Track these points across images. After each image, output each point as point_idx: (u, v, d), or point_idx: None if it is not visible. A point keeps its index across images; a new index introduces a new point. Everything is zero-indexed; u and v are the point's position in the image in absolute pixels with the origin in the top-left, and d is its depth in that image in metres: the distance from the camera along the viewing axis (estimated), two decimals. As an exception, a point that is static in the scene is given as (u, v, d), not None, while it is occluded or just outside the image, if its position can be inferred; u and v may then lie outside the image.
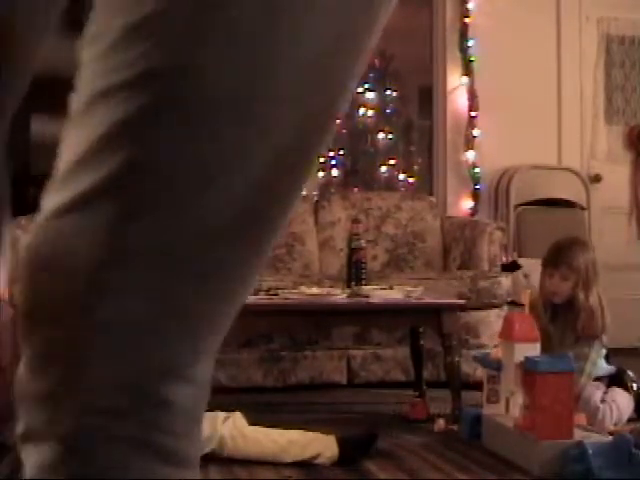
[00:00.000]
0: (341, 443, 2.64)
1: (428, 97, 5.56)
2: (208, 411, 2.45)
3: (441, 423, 3.15)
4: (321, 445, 2.63)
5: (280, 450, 2.62)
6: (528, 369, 2.64)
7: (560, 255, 3.11)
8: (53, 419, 0.64)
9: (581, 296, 3.06)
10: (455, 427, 3.09)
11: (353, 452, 2.66)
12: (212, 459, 2.60)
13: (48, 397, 0.64)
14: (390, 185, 7.47)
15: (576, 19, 5.39)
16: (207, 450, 2.60)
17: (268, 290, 3.39)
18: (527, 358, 2.67)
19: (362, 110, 7.64)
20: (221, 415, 2.64)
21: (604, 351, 3.13)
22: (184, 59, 0.61)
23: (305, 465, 2.59)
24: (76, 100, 0.64)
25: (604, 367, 3.13)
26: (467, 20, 5.18)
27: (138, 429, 0.64)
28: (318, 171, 7.68)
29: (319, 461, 2.61)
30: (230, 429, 2.61)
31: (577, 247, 3.12)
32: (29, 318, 0.64)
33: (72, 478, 0.63)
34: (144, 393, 0.64)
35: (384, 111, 7.74)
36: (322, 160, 7.69)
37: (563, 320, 3.11)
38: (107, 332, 0.62)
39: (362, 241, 3.64)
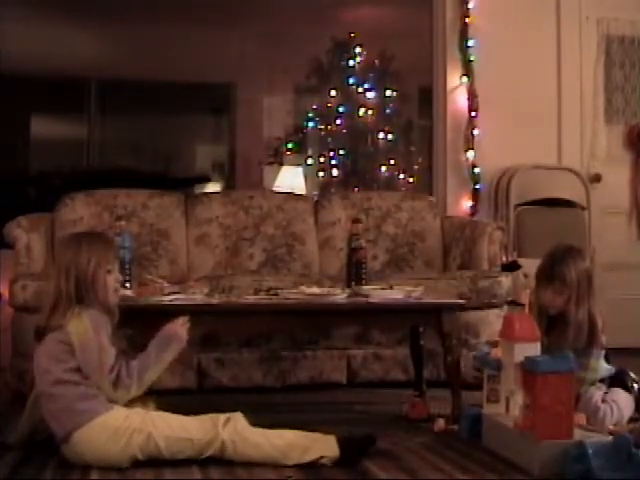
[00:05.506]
0: (342, 443, 2.63)
1: (428, 97, 5.56)
2: (208, 412, 2.44)
3: (441, 423, 3.15)
4: (322, 448, 2.61)
5: (281, 455, 2.60)
6: (528, 369, 2.64)
7: (553, 269, 3.09)
8: None
9: (572, 310, 3.06)
10: (455, 427, 3.09)
11: (354, 452, 2.65)
12: (212, 460, 2.60)
13: None
14: (390, 185, 7.47)
15: (576, 19, 5.39)
16: (207, 455, 2.60)
17: (268, 290, 3.39)
18: (527, 358, 2.66)
19: (362, 110, 7.64)
20: (222, 418, 2.61)
21: (603, 352, 3.12)
22: None
23: (305, 465, 2.58)
24: None
25: (605, 367, 3.13)
26: (467, 20, 5.18)
27: None
28: (318, 171, 7.68)
29: (320, 462, 2.60)
30: (231, 434, 2.59)
31: (570, 260, 3.08)
32: None
33: None
34: None
35: (384, 111, 7.74)
36: (322, 160, 7.70)
37: (559, 331, 3.10)
38: None
39: (362, 241, 3.63)
